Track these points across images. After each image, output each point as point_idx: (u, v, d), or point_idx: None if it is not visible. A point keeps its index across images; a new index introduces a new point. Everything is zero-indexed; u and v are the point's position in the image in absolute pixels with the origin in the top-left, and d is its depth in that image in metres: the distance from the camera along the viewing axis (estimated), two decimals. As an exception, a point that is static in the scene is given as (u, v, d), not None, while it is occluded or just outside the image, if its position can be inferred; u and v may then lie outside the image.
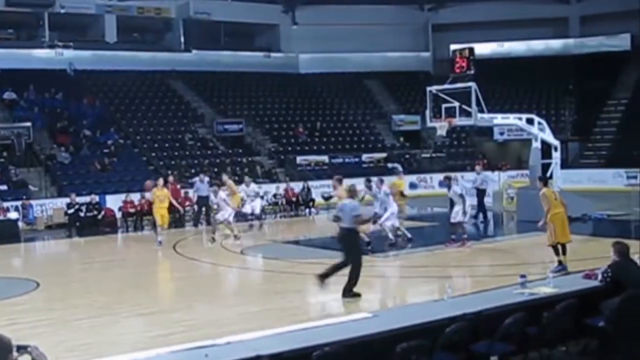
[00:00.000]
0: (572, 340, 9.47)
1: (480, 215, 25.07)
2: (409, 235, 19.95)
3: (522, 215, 24.11)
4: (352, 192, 13.90)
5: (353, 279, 13.13)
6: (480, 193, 25.51)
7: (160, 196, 22.58)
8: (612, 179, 35.64)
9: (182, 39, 45.13)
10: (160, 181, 23.52)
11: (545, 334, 8.94)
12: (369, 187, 20.50)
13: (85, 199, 27.82)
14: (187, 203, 28.37)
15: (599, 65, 44.21)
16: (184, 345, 7.93)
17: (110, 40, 43.03)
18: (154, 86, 42.04)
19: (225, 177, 25.21)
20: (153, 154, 35.75)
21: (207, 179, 26.64)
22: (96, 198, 27.73)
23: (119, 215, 28.01)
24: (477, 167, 27.61)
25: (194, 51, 44.65)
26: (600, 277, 10.29)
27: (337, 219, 13.61)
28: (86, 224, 26.90)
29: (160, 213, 22.57)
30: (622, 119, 42.37)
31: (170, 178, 27.35)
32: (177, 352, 7.78)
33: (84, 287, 16.30)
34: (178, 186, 28.12)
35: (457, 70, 25.83)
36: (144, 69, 42.30)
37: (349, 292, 13.14)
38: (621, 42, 47.00)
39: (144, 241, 24.65)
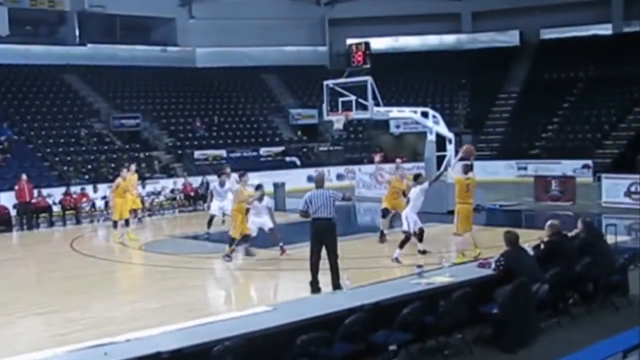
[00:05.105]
0: (468, 327, 9.75)
1: None
2: None
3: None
4: None
5: None
6: None
7: None
8: (503, 170, 36.61)
9: (77, 33, 44.01)
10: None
11: (442, 322, 9.18)
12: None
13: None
14: (84, 199, 27.81)
15: (490, 60, 45.69)
16: (82, 344, 7.81)
17: (2, 33, 41.47)
18: (48, 80, 40.81)
19: None
20: (48, 150, 34.81)
21: None
22: (-12, 195, 26.84)
23: (13, 212, 27.19)
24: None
25: (89, 45, 43.65)
26: (493, 265, 10.66)
27: None
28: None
29: None
30: (512, 112, 43.73)
31: (24, 176, 26.52)
32: (76, 351, 7.66)
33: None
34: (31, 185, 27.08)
35: (354, 64, 26.11)
36: (37, 63, 41.00)
37: None
38: (511, 37, 48.53)
39: (40, 239, 24.04)
